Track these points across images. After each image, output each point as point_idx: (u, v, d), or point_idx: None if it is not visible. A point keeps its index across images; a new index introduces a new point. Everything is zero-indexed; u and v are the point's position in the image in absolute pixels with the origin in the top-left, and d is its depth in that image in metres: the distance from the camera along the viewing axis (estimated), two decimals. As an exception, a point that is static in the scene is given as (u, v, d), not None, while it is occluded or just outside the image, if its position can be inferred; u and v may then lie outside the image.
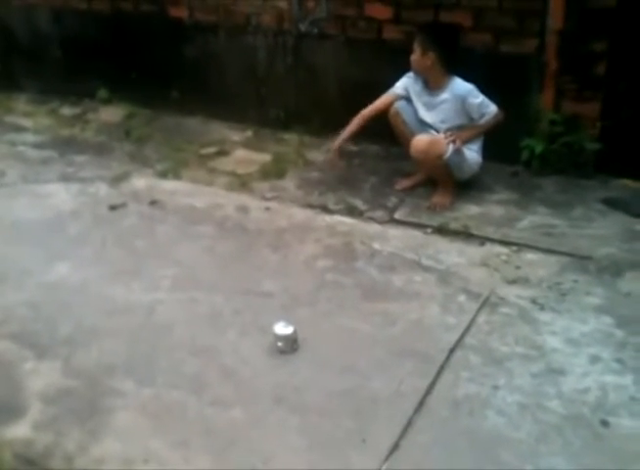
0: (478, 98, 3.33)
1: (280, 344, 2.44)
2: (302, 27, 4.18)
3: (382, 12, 3.89)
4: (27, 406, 2.25)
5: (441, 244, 3.11)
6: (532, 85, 3.62)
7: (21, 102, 5.21)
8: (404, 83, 3.53)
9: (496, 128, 3.37)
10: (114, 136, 4.54)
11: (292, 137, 4.30)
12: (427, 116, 3.48)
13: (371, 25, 3.94)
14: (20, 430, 2.17)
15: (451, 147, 3.28)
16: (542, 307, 2.63)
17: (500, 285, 2.78)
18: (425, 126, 3.49)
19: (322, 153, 4.10)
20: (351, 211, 3.43)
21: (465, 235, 3.15)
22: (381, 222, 3.33)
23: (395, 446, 2.04)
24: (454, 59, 3.37)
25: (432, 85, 3.44)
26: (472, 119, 3.39)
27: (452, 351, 2.42)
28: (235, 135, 4.45)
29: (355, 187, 3.68)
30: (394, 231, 3.24)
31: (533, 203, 3.40)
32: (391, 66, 3.60)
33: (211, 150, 4.24)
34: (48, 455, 2.07)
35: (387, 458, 2.00)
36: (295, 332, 2.44)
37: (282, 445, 2.07)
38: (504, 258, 2.97)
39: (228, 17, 4.40)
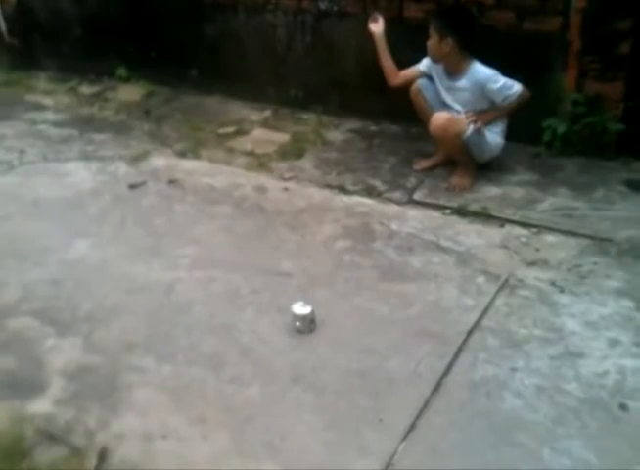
0: (498, 83, 3.25)
1: (298, 323, 2.45)
2: (322, 6, 4.14)
3: (403, -11, 3.85)
4: (49, 382, 2.29)
5: (460, 225, 3.09)
6: (555, 64, 3.56)
7: (41, 80, 5.24)
8: (427, 63, 3.49)
9: (522, 107, 3.31)
10: (134, 115, 4.56)
11: (310, 117, 4.29)
12: (448, 98, 3.44)
13: (392, 3, 3.90)
14: (41, 405, 2.20)
15: (471, 127, 3.25)
16: (561, 290, 2.61)
17: (519, 267, 2.76)
18: (446, 106, 3.45)
19: (341, 133, 4.09)
20: (370, 192, 3.42)
21: (484, 217, 3.13)
22: (399, 203, 3.31)
23: (412, 427, 2.05)
24: (473, 43, 3.31)
25: (451, 70, 3.39)
26: (494, 103, 3.33)
27: (470, 332, 2.41)
28: (253, 115, 4.44)
29: (374, 167, 3.67)
30: (413, 212, 3.23)
31: (554, 184, 3.36)
32: (412, 44, 3.54)
33: (230, 129, 4.24)
34: (69, 430, 2.11)
35: (403, 438, 2.01)
36: (312, 312, 2.45)
37: (299, 423, 2.09)
38: (524, 239, 2.95)
39: (248, -5, 4.38)
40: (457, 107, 3.39)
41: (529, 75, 3.37)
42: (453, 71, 3.37)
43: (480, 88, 3.29)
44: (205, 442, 2.04)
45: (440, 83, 3.46)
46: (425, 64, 3.50)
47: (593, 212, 3.11)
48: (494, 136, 3.39)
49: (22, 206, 3.42)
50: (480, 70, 3.30)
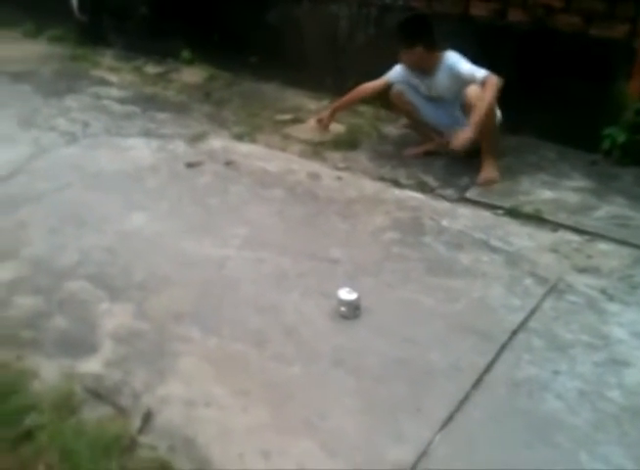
0: (465, 64, 3.34)
1: (343, 309, 2.48)
2: (387, -1, 4.16)
3: (470, -13, 3.83)
4: (100, 344, 2.37)
5: (512, 226, 3.07)
6: (620, 72, 3.50)
7: (107, 57, 5.38)
8: (398, 74, 3.62)
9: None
10: (195, 97, 4.65)
11: (367, 110, 4.30)
12: (433, 93, 3.56)
13: (458, 0, 3.88)
14: (91, 366, 2.28)
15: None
16: (611, 298, 2.58)
17: (569, 272, 2.73)
18: (431, 103, 3.59)
19: (397, 127, 4.11)
20: (422, 187, 3.43)
21: (537, 219, 3.10)
22: (451, 200, 3.31)
23: (450, 418, 2.06)
24: (435, 40, 3.43)
25: (427, 70, 3.49)
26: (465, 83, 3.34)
27: (515, 332, 2.40)
28: (311, 103, 4.48)
29: (428, 164, 3.67)
30: (464, 210, 3.22)
31: (611, 193, 3.31)
32: (477, 43, 3.54)
33: (287, 116, 4.29)
34: (116, 391, 2.18)
35: (440, 429, 2.03)
36: (358, 298, 2.48)
37: (337, 404, 2.12)
38: (576, 245, 2.92)
39: (314, -15, 4.41)
40: (443, 99, 3.55)
41: (592, 81, 3.34)
42: (429, 69, 3.47)
43: (452, 70, 3.38)
44: (245, 413, 2.09)
45: (420, 85, 3.58)
46: (395, 75, 3.63)
47: (649, 224, 3.06)
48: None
49: (83, 176, 3.53)
50: (451, 55, 3.41)
